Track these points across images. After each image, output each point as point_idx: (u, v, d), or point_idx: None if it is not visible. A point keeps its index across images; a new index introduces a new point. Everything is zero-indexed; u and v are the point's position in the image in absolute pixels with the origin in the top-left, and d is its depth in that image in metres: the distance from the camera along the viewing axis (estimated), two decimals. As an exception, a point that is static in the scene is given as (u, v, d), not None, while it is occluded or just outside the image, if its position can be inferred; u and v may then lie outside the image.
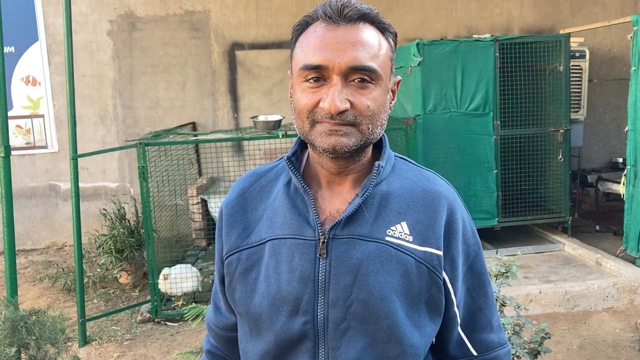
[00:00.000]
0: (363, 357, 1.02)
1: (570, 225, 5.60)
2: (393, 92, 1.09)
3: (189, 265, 4.63)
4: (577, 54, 6.18)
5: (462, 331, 1.13)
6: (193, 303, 3.14)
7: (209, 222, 6.12)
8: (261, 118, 5.05)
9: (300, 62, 1.00)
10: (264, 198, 1.14)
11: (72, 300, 4.86)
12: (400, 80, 1.11)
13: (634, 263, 4.75)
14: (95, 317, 4.42)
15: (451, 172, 5.02)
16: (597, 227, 6.04)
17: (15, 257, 3.11)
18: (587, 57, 6.34)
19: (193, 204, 6.04)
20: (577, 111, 6.28)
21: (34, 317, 2.70)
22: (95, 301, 4.96)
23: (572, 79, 5.66)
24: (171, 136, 5.25)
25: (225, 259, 1.14)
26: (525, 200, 5.51)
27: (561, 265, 4.99)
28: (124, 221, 5.44)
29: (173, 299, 4.62)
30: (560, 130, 5.40)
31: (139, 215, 5.40)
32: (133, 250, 5.16)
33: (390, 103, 1.08)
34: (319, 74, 0.98)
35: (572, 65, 5.75)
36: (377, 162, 1.07)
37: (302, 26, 1.04)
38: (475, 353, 1.14)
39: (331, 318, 1.02)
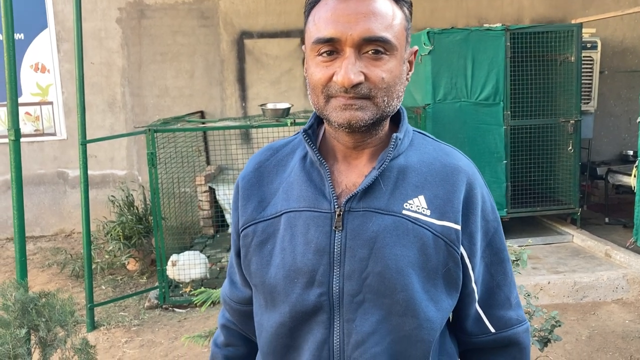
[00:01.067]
0: (378, 330, 1.01)
1: (579, 217, 5.57)
2: (410, 62, 1.06)
3: (197, 252, 4.64)
4: (589, 45, 6.12)
5: (480, 308, 1.11)
6: (201, 288, 3.14)
7: (217, 210, 6.13)
8: (270, 106, 5.04)
9: (313, 36, 0.99)
10: (280, 172, 1.13)
11: (80, 286, 4.88)
12: (417, 50, 1.08)
13: (643, 255, 4.72)
14: (103, 302, 4.44)
15: (460, 162, 4.97)
16: (607, 220, 6.00)
17: (24, 240, 3.12)
18: (599, 48, 6.28)
19: (201, 193, 6.04)
20: (588, 103, 6.23)
21: (43, 299, 2.70)
22: (103, 287, 4.98)
23: (583, 70, 5.60)
24: (180, 124, 5.24)
25: (242, 232, 1.13)
26: (534, 191, 5.48)
27: (570, 257, 4.97)
28: (132, 208, 5.46)
29: (181, 285, 4.64)
30: (571, 122, 5.36)
31: (147, 202, 5.41)
32: (141, 237, 5.17)
33: (408, 74, 1.05)
34: (331, 47, 0.97)
35: (584, 56, 5.70)
36: (394, 135, 1.05)
37: (315, 0, 1.03)
38: (493, 330, 1.12)
39: (346, 290, 1.01)
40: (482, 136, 5.14)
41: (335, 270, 1.02)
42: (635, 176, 4.87)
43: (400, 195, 1.03)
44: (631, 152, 6.68)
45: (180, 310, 4.43)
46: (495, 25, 5.18)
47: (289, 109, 4.93)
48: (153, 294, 4.61)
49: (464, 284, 1.07)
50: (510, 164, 5.25)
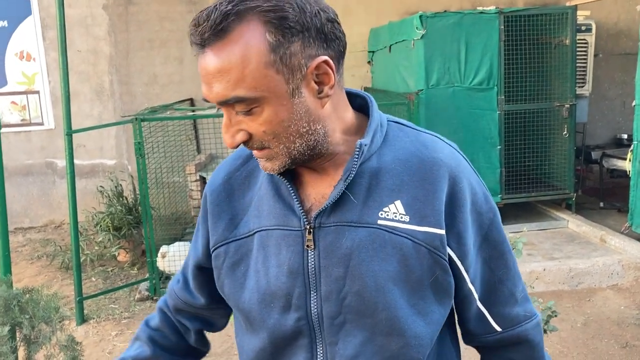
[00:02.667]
0: (363, 352, 0.94)
1: (574, 202, 5.53)
2: (320, 82, 0.88)
3: (188, 243, 4.57)
4: (583, 28, 6.04)
5: (483, 306, 1.02)
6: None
7: (208, 199, 6.06)
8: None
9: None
10: (252, 184, 1.04)
11: (70, 279, 4.80)
12: (322, 61, 0.87)
13: (639, 240, 4.69)
14: (92, 295, 4.37)
15: (454, 148, 4.92)
16: (601, 204, 5.97)
17: (8, 234, 3.04)
18: (594, 31, 6.20)
19: (192, 182, 5.96)
20: (583, 86, 6.17)
21: (27, 295, 2.63)
22: (94, 279, 4.92)
23: (577, 53, 5.53)
24: (168, 112, 5.15)
25: (213, 252, 1.05)
26: (529, 176, 5.43)
27: (565, 242, 4.93)
28: (121, 198, 5.38)
29: (172, 276, 4.57)
30: (566, 106, 5.30)
31: (137, 192, 5.32)
32: (131, 228, 5.10)
33: (320, 95, 0.89)
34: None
35: (578, 39, 5.62)
36: (359, 142, 0.93)
37: None
38: (499, 329, 1.04)
39: (325, 313, 0.94)
40: (475, 121, 5.07)
41: (312, 293, 0.95)
42: (629, 160, 4.83)
43: (374, 203, 0.94)
44: (625, 136, 6.64)
45: (172, 302, 4.37)
46: (489, 9, 5.09)
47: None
48: (144, 285, 4.55)
49: (458, 287, 0.99)
50: (505, 149, 5.19)
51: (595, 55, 6.45)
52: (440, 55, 4.95)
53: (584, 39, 6.12)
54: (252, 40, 0.83)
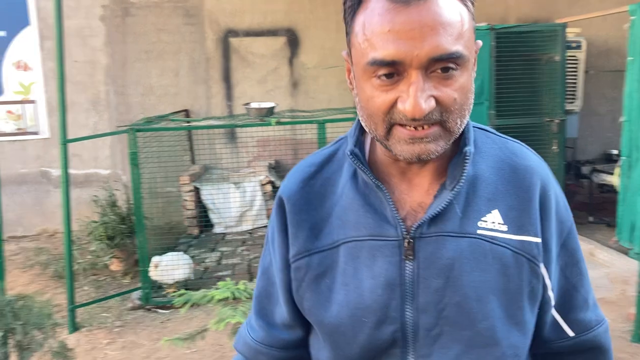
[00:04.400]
0: None
1: (563, 216, 5.58)
2: (474, 60, 0.89)
3: (181, 253, 4.61)
4: (574, 45, 6.14)
5: (558, 312, 1.01)
6: (182, 290, 3.11)
7: (202, 210, 6.09)
8: (254, 105, 5.01)
9: (367, 55, 0.81)
10: (329, 193, 0.98)
11: (63, 287, 4.82)
12: (481, 45, 0.90)
13: (626, 254, 4.74)
14: (85, 303, 4.39)
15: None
16: (591, 219, 6.03)
17: (1, 242, 3.07)
18: (584, 47, 6.30)
19: (186, 192, 6.00)
20: (573, 102, 6.25)
21: (20, 302, 2.67)
22: (86, 288, 4.93)
23: (568, 69, 5.63)
24: (163, 123, 5.20)
25: (293, 263, 0.99)
26: (519, 190, 5.48)
27: (554, 256, 4.98)
28: (115, 208, 5.40)
29: (164, 286, 4.60)
30: (555, 121, 5.38)
31: (131, 202, 5.36)
32: (124, 238, 5.12)
33: (473, 82, 0.89)
34: (392, 70, 0.80)
35: (568, 56, 5.72)
36: (466, 148, 0.90)
37: (357, 1, 0.84)
38: (572, 334, 1.02)
39: (422, 324, 0.90)
40: (467, 136, 5.13)
41: (407, 304, 0.91)
42: (617, 175, 4.90)
43: (473, 212, 0.91)
44: (615, 151, 6.71)
45: (164, 311, 4.39)
46: (480, 25, 5.18)
47: (273, 108, 4.90)
48: (136, 294, 4.57)
49: (541, 294, 0.98)
50: (495, 163, 5.24)
51: (585, 72, 6.55)
52: (433, 70, 5.01)
53: (575, 56, 6.22)
54: (462, 3, 0.83)
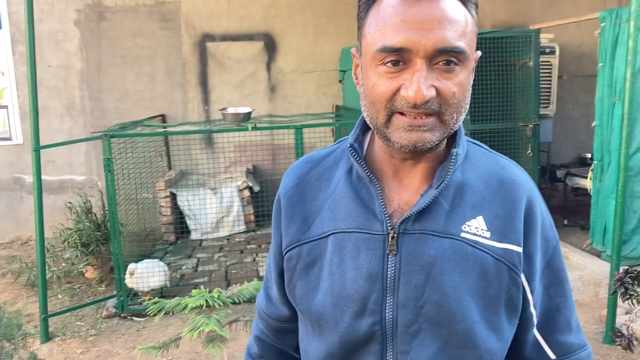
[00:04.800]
0: None
1: (538, 219, 5.65)
2: (473, 69, 0.95)
3: (157, 260, 4.56)
4: (547, 50, 6.23)
5: (539, 333, 1.02)
6: (156, 298, 3.08)
7: (178, 216, 6.05)
8: (230, 110, 4.99)
9: (377, 43, 0.87)
10: (323, 186, 1.04)
11: (36, 296, 4.73)
12: (480, 55, 0.97)
13: (599, 256, 4.82)
14: (58, 312, 4.32)
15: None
16: (565, 222, 6.12)
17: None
18: (557, 53, 6.40)
19: (162, 198, 5.95)
20: (547, 107, 6.34)
21: (-11, 312, 2.62)
22: (60, 296, 4.85)
23: (542, 74, 5.70)
24: (139, 128, 5.15)
25: (285, 254, 1.05)
26: (495, 194, 5.53)
27: (529, 259, 5.03)
28: (90, 215, 5.33)
29: (140, 294, 4.54)
30: (530, 126, 5.44)
31: (106, 208, 5.29)
32: (99, 244, 5.06)
33: (470, 85, 0.95)
34: (399, 57, 0.86)
35: (542, 61, 5.80)
36: (454, 150, 0.95)
37: None
38: (553, 356, 1.03)
39: (401, 320, 0.93)
40: (443, 140, 5.17)
41: (388, 298, 0.94)
42: (590, 179, 4.98)
43: (458, 216, 0.95)
44: (589, 155, 6.82)
45: (139, 319, 4.34)
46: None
47: (250, 113, 4.89)
48: (111, 302, 4.51)
49: (522, 308, 0.99)
50: (471, 167, 5.28)
51: (559, 77, 6.65)
52: (409, 76, 5.04)
53: (548, 61, 6.31)
54: (467, 9, 0.89)
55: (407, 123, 0.88)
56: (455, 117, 0.90)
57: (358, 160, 0.98)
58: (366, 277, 0.94)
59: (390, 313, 0.94)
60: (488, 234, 0.94)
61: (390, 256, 0.94)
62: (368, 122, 0.95)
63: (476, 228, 0.94)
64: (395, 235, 0.94)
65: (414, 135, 0.88)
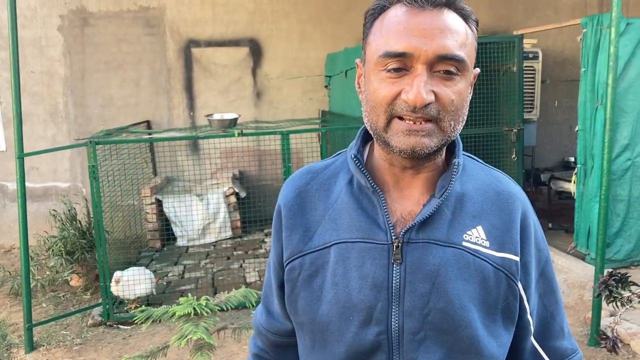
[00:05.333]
0: None
1: (523, 223, 5.69)
2: (471, 85, 0.98)
3: (143, 268, 4.52)
4: (531, 55, 6.29)
5: (536, 340, 1.06)
6: (143, 306, 3.06)
7: (164, 222, 6.01)
8: (216, 116, 4.97)
9: (380, 49, 0.91)
10: (323, 197, 1.05)
11: (20, 305, 4.67)
12: (479, 72, 1.02)
13: (583, 259, 4.87)
14: (42, 321, 4.26)
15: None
16: (550, 225, 6.17)
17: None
18: (540, 58, 6.47)
19: (147, 204, 5.91)
20: (531, 111, 6.40)
21: (-28, 323, 2.58)
22: (45, 305, 4.80)
23: (525, 79, 5.76)
24: (124, 134, 5.12)
25: (287, 265, 1.05)
26: (480, 198, 5.56)
27: (515, 263, 5.07)
28: (75, 222, 5.28)
29: (126, 301, 4.50)
30: (514, 130, 5.49)
31: (91, 216, 5.25)
32: (84, 252, 5.01)
33: (469, 97, 0.98)
34: (401, 63, 0.89)
35: (526, 66, 5.86)
36: (455, 160, 0.98)
37: (378, 10, 0.95)
38: None
39: (407, 328, 0.95)
40: (428, 145, 5.19)
41: (394, 307, 0.95)
42: (574, 182, 5.03)
43: (459, 225, 0.98)
44: (573, 159, 6.91)
45: (126, 327, 4.30)
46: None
47: (236, 119, 4.88)
48: (97, 310, 4.46)
49: (519, 316, 1.02)
50: (457, 172, 5.31)
51: (542, 82, 6.72)
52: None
53: (532, 66, 6.37)
54: (467, 24, 0.94)
55: (405, 127, 0.90)
56: (452, 125, 0.92)
57: (362, 170, 0.99)
58: (371, 286, 0.95)
59: (397, 322, 0.95)
60: (487, 244, 0.97)
61: (395, 265, 0.95)
62: (368, 128, 0.97)
63: (476, 237, 0.97)
64: (400, 244, 0.95)
65: (412, 139, 0.90)
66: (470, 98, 0.98)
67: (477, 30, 0.97)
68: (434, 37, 0.88)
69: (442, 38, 0.88)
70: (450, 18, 0.91)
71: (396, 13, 0.91)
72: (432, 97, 0.88)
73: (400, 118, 0.91)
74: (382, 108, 0.92)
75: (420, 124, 0.90)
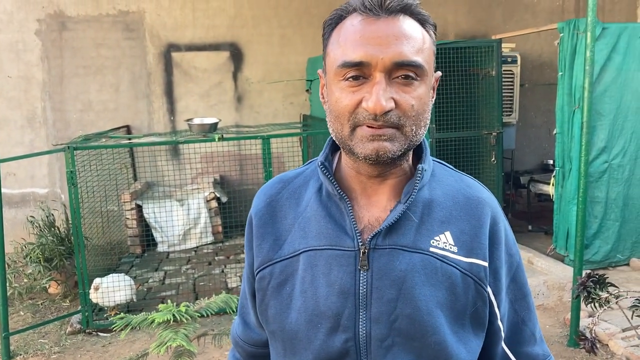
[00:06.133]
0: None
1: (504, 225, 5.74)
2: (433, 89, 0.99)
3: (122, 274, 4.47)
4: (509, 59, 6.37)
5: (507, 346, 1.06)
6: (123, 313, 3.02)
7: (144, 228, 5.96)
8: (196, 121, 4.95)
9: (338, 59, 0.92)
10: (293, 205, 1.06)
11: (-4, 313, 4.60)
12: (440, 75, 1.02)
13: (562, 261, 4.92)
14: (20, 330, 4.20)
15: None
16: (530, 227, 6.23)
17: None
18: (519, 62, 6.55)
19: (127, 210, 5.85)
20: (510, 115, 6.48)
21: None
22: (22, 313, 4.72)
23: (504, 83, 5.82)
24: (103, 139, 5.07)
25: (257, 274, 1.05)
26: (461, 201, 5.60)
27: (495, 265, 5.10)
28: (53, 229, 5.21)
29: (106, 308, 4.45)
30: (493, 134, 5.54)
31: (70, 222, 5.18)
32: (63, 259, 4.94)
33: (431, 101, 0.98)
34: (359, 72, 0.90)
35: (504, 70, 5.92)
36: (420, 166, 0.99)
37: (335, 20, 0.96)
38: None
39: (374, 334, 0.94)
40: (409, 149, 5.22)
41: (361, 313, 0.95)
42: (552, 185, 5.09)
43: (427, 231, 0.98)
44: (551, 162, 6.99)
45: (105, 335, 4.25)
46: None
47: (216, 123, 4.85)
48: (75, 318, 4.41)
49: (490, 322, 1.02)
50: (437, 175, 5.34)
51: (521, 85, 6.81)
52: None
53: (511, 70, 6.45)
54: (425, 29, 0.95)
55: (369, 133, 0.91)
56: (414, 130, 0.93)
57: (329, 177, 1.00)
58: (338, 293, 0.95)
59: (364, 328, 0.95)
60: (455, 249, 0.97)
61: (361, 271, 0.95)
62: (334, 137, 0.98)
63: (444, 243, 0.97)
64: (366, 250, 0.95)
65: (376, 144, 0.91)
66: (432, 102, 0.99)
67: (435, 34, 0.97)
68: (389, 45, 0.89)
69: (398, 45, 0.89)
70: (406, 24, 0.91)
71: (352, 22, 0.92)
72: (391, 104, 0.89)
73: (364, 127, 0.92)
74: (345, 117, 0.93)
75: (382, 129, 0.91)
